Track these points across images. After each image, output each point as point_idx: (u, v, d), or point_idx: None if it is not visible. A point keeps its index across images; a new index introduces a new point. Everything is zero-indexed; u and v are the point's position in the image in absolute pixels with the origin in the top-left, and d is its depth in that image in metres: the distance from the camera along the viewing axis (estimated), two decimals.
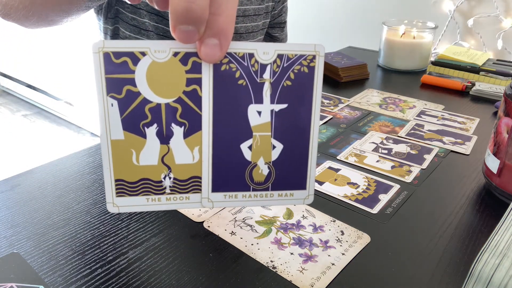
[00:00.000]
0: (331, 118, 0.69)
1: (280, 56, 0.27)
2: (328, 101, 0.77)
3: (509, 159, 0.46)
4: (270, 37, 0.98)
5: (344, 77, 0.88)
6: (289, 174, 0.30)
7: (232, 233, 0.41)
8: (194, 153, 0.28)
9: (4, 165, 2.07)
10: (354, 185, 0.50)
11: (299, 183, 0.30)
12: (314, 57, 0.27)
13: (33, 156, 2.15)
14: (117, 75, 0.26)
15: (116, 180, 0.28)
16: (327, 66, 0.91)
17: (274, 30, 0.97)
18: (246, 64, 0.27)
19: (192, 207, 0.30)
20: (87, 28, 1.92)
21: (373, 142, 0.61)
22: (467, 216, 0.45)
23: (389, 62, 0.99)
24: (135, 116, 0.27)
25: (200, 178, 0.29)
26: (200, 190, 0.29)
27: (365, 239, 0.41)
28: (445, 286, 0.36)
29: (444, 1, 1.40)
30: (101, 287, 0.35)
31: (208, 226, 0.42)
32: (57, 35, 2.36)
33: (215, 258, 0.38)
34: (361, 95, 0.81)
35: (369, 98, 0.79)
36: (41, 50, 2.53)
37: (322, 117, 0.69)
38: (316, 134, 0.29)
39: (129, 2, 0.28)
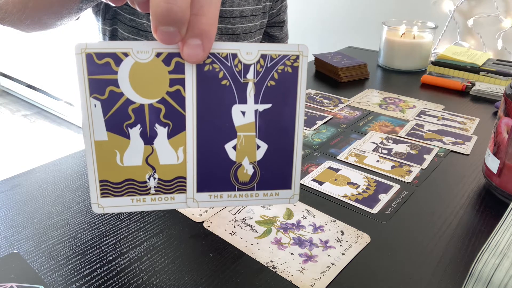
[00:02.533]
0: (331, 118, 0.69)
1: (263, 56, 0.27)
2: (328, 101, 0.77)
3: (509, 159, 0.46)
4: (269, 37, 0.98)
5: (344, 77, 0.88)
6: (274, 174, 0.30)
7: (232, 233, 0.41)
8: (178, 153, 0.28)
9: (4, 165, 2.07)
10: (354, 185, 0.50)
11: (284, 182, 0.30)
12: (297, 57, 0.28)
13: (33, 156, 2.15)
14: (100, 76, 0.26)
15: (101, 181, 0.28)
16: (327, 66, 0.91)
17: (273, 30, 0.96)
18: (229, 64, 0.27)
19: (177, 207, 0.30)
20: (86, 29, 1.92)
21: (373, 142, 0.61)
22: (467, 216, 0.45)
23: (389, 62, 0.99)
24: (118, 117, 0.27)
25: (185, 178, 0.29)
26: (185, 190, 0.29)
27: (365, 239, 0.41)
28: (445, 286, 0.36)
29: (444, 1, 1.40)
30: (101, 287, 0.35)
31: (208, 226, 0.42)
32: (57, 35, 2.36)
33: (215, 258, 0.38)
34: (361, 95, 0.81)
35: (369, 98, 0.79)
36: (41, 50, 2.53)
37: (322, 117, 0.69)
38: (301, 133, 0.29)
39: (112, 4, 0.28)
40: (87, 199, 0.46)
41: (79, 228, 0.42)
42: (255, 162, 0.29)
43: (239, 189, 0.30)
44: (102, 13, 0.74)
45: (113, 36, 0.76)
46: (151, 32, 0.73)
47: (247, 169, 0.29)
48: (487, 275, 0.27)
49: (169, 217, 0.43)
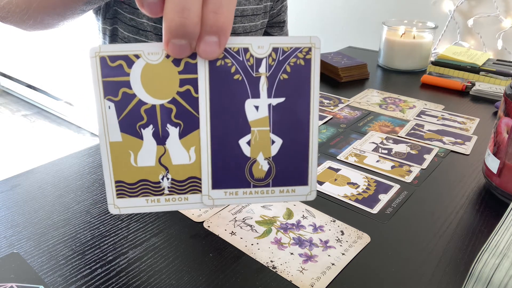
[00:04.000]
0: (331, 118, 0.69)
1: (275, 50, 0.27)
2: (328, 101, 0.77)
3: (509, 159, 0.46)
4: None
5: (344, 77, 0.88)
6: (289, 170, 0.29)
7: (232, 233, 0.41)
8: (190, 153, 0.28)
9: (4, 165, 2.07)
10: (354, 185, 0.50)
11: (301, 178, 0.30)
12: (310, 49, 0.28)
13: (33, 156, 2.15)
14: (113, 78, 0.26)
15: (116, 182, 0.28)
16: (327, 66, 0.91)
17: (273, 30, 0.97)
18: (241, 58, 0.27)
19: (192, 208, 0.30)
20: (86, 28, 1.92)
21: (373, 142, 0.61)
22: (467, 216, 0.45)
23: (389, 62, 0.99)
24: (131, 118, 0.27)
25: (198, 178, 0.29)
26: (199, 190, 0.29)
27: (365, 239, 0.41)
28: (445, 286, 0.36)
29: (444, 1, 1.40)
30: (101, 287, 0.35)
31: (208, 226, 0.42)
32: (57, 35, 2.36)
33: (215, 258, 0.38)
34: (361, 95, 0.81)
35: (369, 98, 0.79)
36: (41, 50, 2.53)
37: (322, 117, 0.69)
38: (316, 127, 0.29)
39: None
40: (87, 199, 0.47)
41: (79, 228, 0.42)
42: (270, 157, 0.29)
43: (254, 186, 0.29)
44: (103, 13, 0.74)
45: (113, 35, 0.76)
46: (151, 32, 0.73)
47: (262, 164, 0.29)
48: (487, 275, 0.27)
49: (169, 217, 0.43)
